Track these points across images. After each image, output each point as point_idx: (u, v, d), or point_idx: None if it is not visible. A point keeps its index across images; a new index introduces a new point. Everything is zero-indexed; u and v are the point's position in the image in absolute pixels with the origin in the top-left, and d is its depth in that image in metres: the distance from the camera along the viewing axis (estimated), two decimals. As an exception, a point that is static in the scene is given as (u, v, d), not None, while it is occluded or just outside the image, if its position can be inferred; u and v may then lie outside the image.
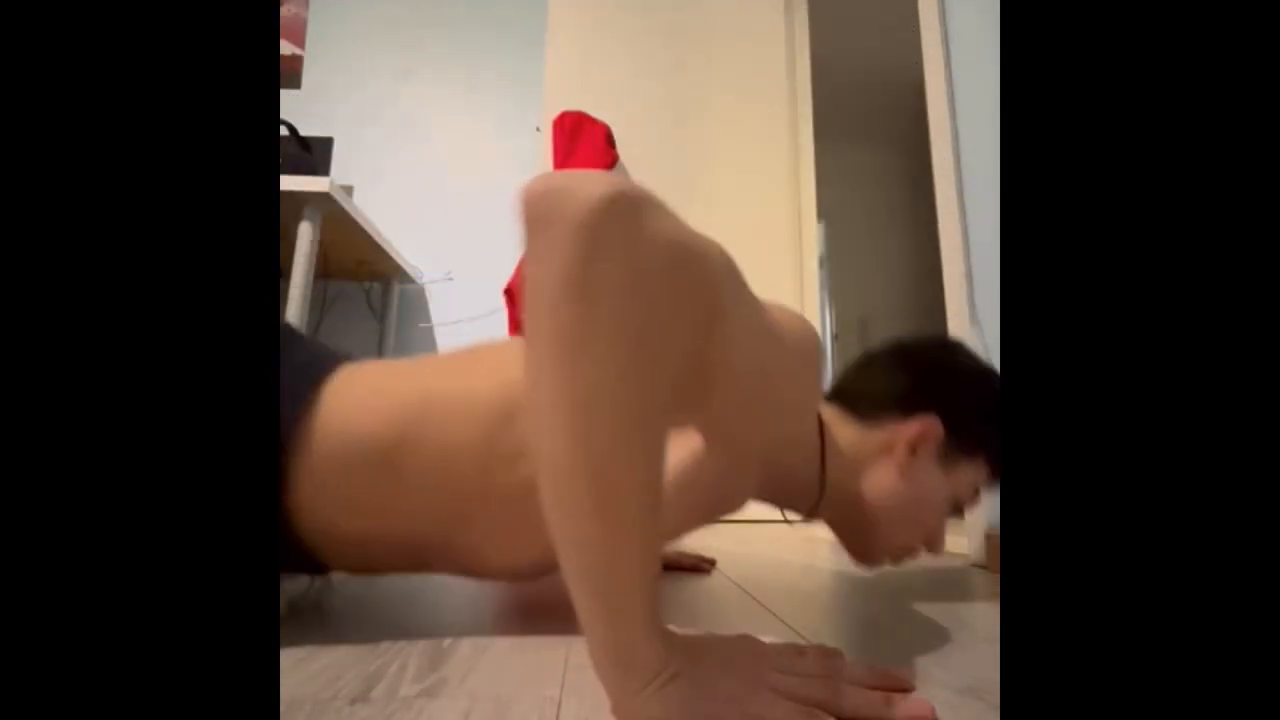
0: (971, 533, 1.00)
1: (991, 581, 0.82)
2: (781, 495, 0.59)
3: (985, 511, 0.98)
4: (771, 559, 0.99)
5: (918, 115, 3.69)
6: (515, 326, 1.65)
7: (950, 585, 0.78)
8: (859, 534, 0.61)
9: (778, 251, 1.89)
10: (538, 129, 1.90)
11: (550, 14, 1.88)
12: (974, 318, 1.05)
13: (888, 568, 0.90)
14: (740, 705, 0.32)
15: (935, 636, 0.53)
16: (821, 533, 1.44)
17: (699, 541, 1.21)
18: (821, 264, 3.81)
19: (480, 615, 0.58)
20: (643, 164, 1.87)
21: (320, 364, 0.51)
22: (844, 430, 0.60)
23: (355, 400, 0.48)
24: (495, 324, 2.13)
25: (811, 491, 0.58)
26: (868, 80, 3.58)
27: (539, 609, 0.60)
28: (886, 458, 0.58)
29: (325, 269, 1.92)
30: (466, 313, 2.17)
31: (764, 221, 1.90)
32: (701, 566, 0.87)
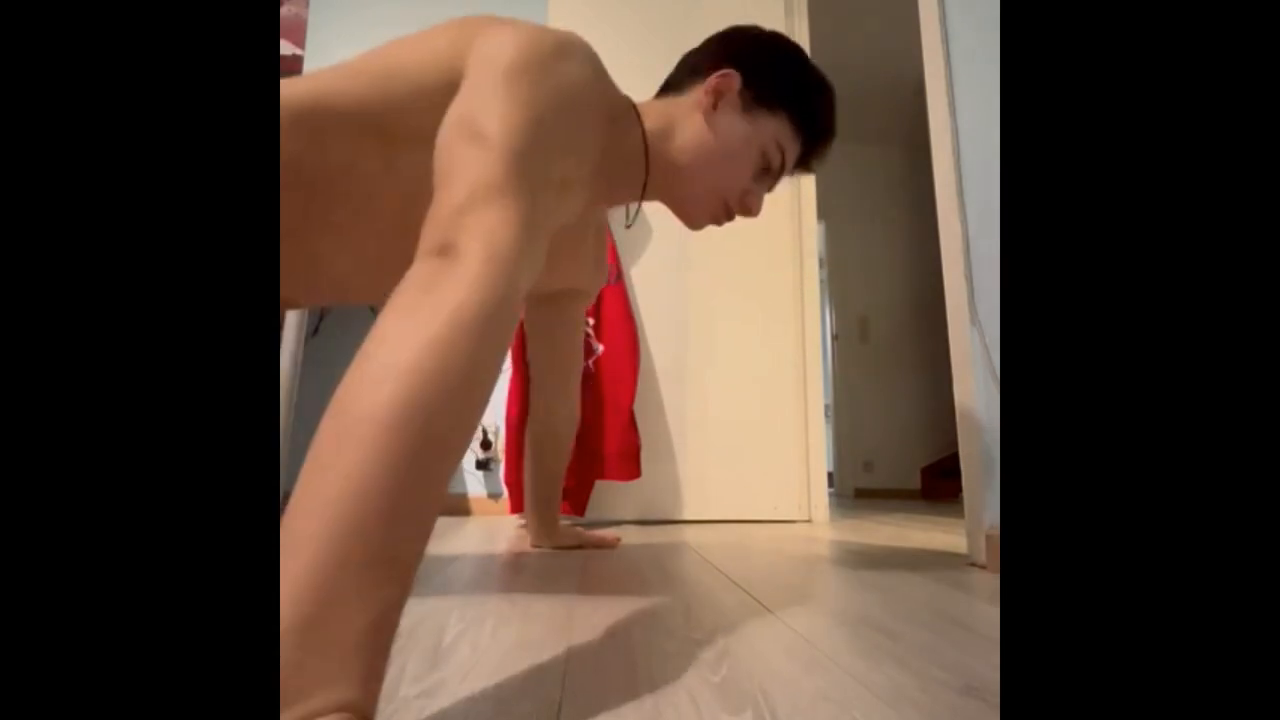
0: (971, 532, 1.00)
1: (991, 581, 0.82)
2: (620, 190, 0.67)
3: (985, 511, 0.98)
4: (772, 558, 0.99)
5: (918, 115, 3.69)
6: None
7: (950, 585, 0.78)
8: (680, 193, 0.66)
9: (778, 251, 1.89)
10: (538, 129, 1.89)
11: (550, 14, 1.88)
12: (974, 318, 1.05)
13: (886, 562, 0.90)
14: None
15: (935, 636, 0.53)
16: (821, 533, 1.44)
17: (702, 537, 1.22)
18: (821, 264, 3.82)
19: (480, 615, 0.58)
20: (643, 164, 1.86)
21: None
22: (658, 109, 0.66)
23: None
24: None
25: (640, 173, 0.65)
26: (868, 80, 3.58)
27: (539, 609, 0.60)
28: (694, 113, 0.64)
29: (325, 269, 1.92)
30: (466, 313, 2.15)
31: (764, 221, 1.90)
32: (605, 542, 1.04)
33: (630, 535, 1.31)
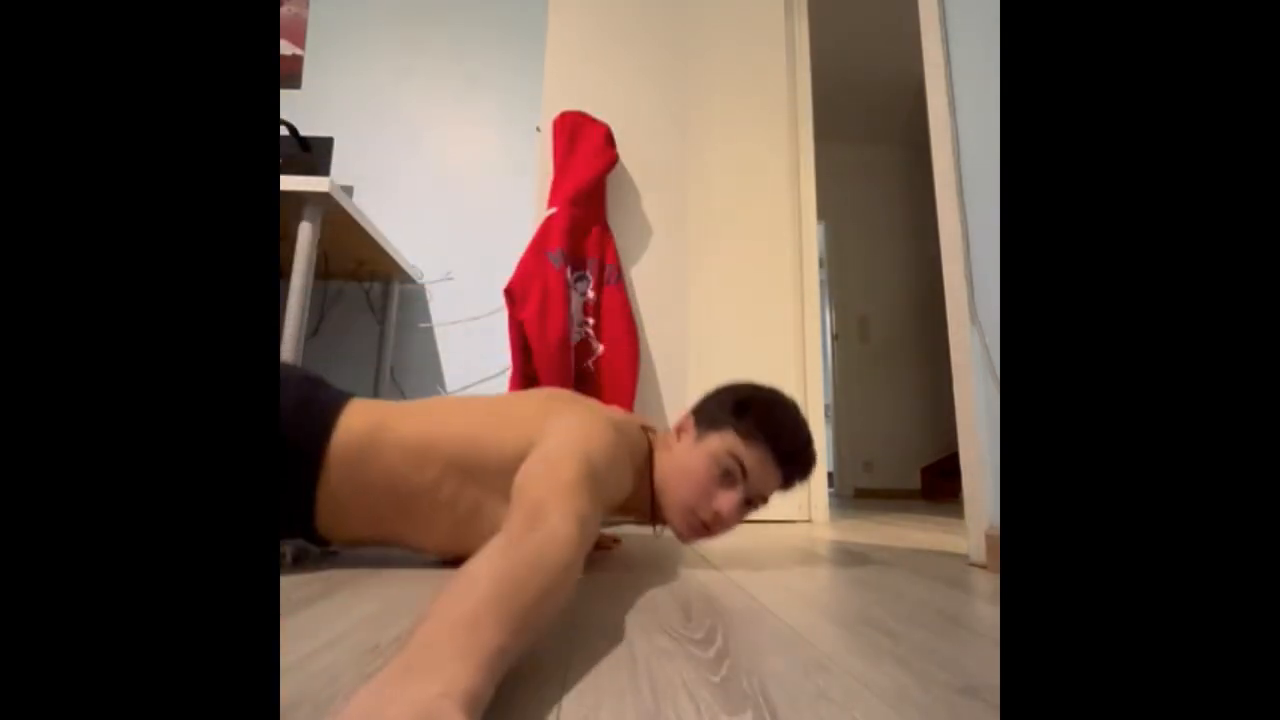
0: (972, 532, 1.00)
1: (991, 581, 0.82)
2: (635, 506, 0.86)
3: (985, 511, 0.98)
4: (772, 558, 0.99)
5: (918, 115, 3.69)
6: (514, 327, 1.65)
7: (950, 585, 0.78)
8: (663, 510, 0.84)
9: (778, 251, 1.89)
10: (538, 129, 1.90)
11: (550, 14, 1.88)
12: (974, 318, 1.05)
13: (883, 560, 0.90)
14: None
15: (935, 636, 0.53)
16: (821, 533, 1.44)
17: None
18: (821, 264, 3.81)
19: (480, 615, 0.58)
20: (643, 164, 1.87)
21: (334, 398, 0.76)
22: (661, 442, 0.89)
23: (358, 438, 0.74)
24: (495, 324, 2.13)
25: (647, 493, 0.86)
26: (868, 80, 3.58)
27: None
28: (666, 448, 0.87)
29: (325, 269, 1.92)
30: (466, 313, 2.17)
31: (764, 221, 1.90)
32: (604, 543, 1.07)
33: (630, 535, 1.31)
